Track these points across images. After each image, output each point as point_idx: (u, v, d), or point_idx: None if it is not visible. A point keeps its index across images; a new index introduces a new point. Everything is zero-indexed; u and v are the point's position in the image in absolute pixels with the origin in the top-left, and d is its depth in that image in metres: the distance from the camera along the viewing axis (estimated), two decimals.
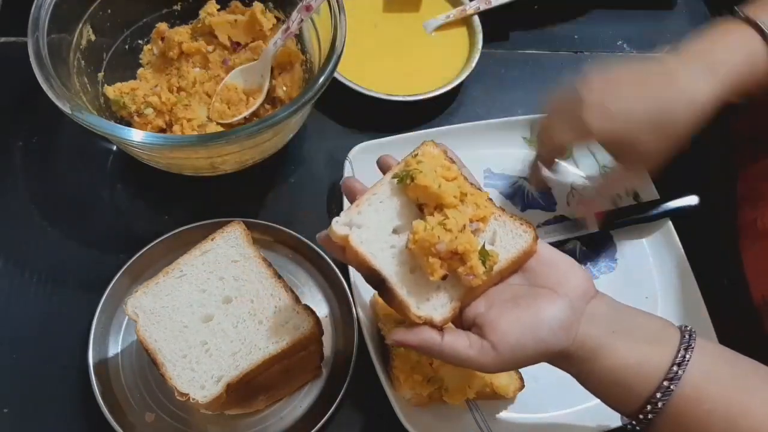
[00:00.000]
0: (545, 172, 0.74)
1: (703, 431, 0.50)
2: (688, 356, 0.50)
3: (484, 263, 0.51)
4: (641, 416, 0.51)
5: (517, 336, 0.51)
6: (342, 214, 0.54)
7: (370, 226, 0.53)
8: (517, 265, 0.55)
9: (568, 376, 0.68)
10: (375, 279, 0.53)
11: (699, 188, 0.83)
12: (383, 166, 0.58)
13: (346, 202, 0.73)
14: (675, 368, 0.50)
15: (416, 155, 0.55)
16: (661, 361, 0.51)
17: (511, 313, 0.52)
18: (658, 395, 0.50)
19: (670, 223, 0.77)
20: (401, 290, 0.52)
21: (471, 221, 0.53)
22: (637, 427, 0.52)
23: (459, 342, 0.52)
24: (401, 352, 0.66)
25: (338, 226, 0.53)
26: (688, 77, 0.63)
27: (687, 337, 0.52)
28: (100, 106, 0.73)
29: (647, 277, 0.76)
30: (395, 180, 0.55)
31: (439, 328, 0.52)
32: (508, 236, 0.54)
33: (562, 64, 0.91)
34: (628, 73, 0.65)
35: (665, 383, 0.50)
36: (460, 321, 0.54)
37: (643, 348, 0.51)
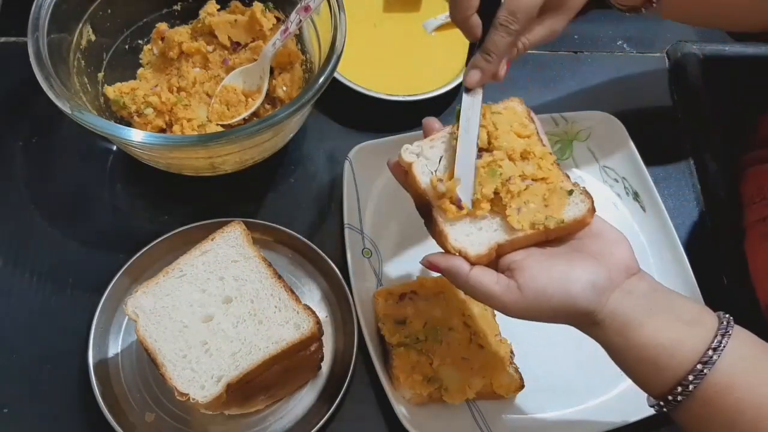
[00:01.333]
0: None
1: (731, 419, 0.49)
2: (724, 342, 0.50)
3: (556, 220, 0.54)
4: (670, 397, 0.50)
5: (545, 282, 0.51)
6: (415, 143, 0.58)
7: (436, 161, 0.57)
8: (568, 232, 0.56)
9: (568, 376, 0.69)
10: (425, 209, 0.57)
11: (701, 187, 0.83)
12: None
13: (347, 202, 0.74)
14: (710, 353, 0.49)
15: (498, 105, 0.59)
16: (696, 344, 0.50)
17: (546, 262, 0.53)
18: (690, 378, 0.49)
19: (669, 222, 0.77)
20: (444, 220, 0.55)
21: (526, 178, 0.56)
22: (664, 409, 0.52)
23: (486, 276, 0.53)
24: (401, 352, 0.66)
25: (407, 153, 0.57)
26: None
27: (725, 323, 0.51)
28: (100, 106, 0.73)
29: None
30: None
31: (471, 263, 0.54)
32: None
33: (562, 64, 0.91)
34: None
35: (699, 366, 0.49)
36: (497, 267, 0.55)
37: (679, 328, 0.51)
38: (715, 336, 0.50)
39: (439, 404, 0.66)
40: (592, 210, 0.55)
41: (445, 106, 0.86)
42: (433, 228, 0.56)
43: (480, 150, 0.57)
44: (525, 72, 0.90)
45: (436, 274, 0.68)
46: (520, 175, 0.55)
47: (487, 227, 0.55)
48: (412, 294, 0.69)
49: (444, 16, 0.87)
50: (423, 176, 0.56)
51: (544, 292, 0.51)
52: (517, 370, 0.67)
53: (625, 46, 0.94)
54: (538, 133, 0.59)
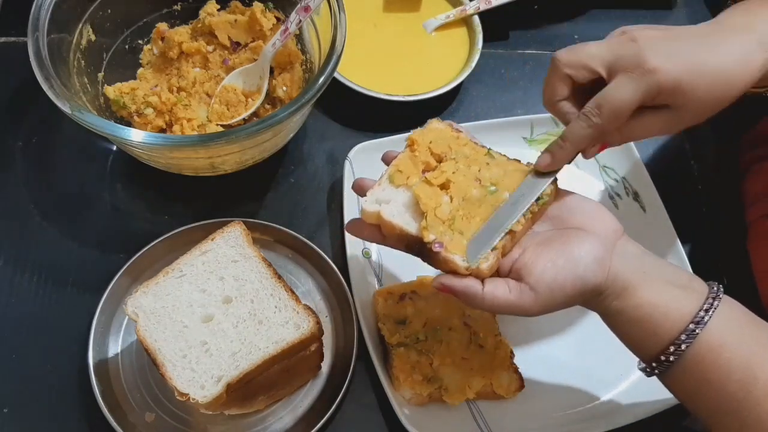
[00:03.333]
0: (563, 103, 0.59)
1: (721, 378, 0.50)
2: (715, 304, 0.51)
3: (544, 201, 0.56)
4: (663, 358, 0.52)
5: (553, 274, 0.52)
6: (368, 194, 0.58)
7: (396, 199, 0.57)
8: (548, 207, 0.57)
9: (568, 376, 0.69)
10: (416, 246, 0.56)
11: (701, 187, 0.83)
12: (387, 159, 0.61)
13: (347, 202, 0.74)
14: (702, 314, 0.51)
15: (418, 130, 0.61)
16: (689, 306, 0.52)
17: (546, 253, 0.53)
18: (683, 337, 0.51)
19: (669, 222, 0.77)
20: (446, 249, 0.54)
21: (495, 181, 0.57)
22: (656, 371, 0.53)
23: (498, 289, 0.53)
24: (401, 352, 0.66)
25: (369, 204, 0.57)
26: (738, 45, 0.55)
27: (716, 288, 0.53)
28: (100, 106, 0.73)
29: None
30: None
31: (483, 279, 0.54)
32: None
33: None
34: (679, 30, 0.57)
35: (691, 326, 0.51)
36: (498, 272, 0.56)
37: (673, 291, 0.53)
38: (707, 299, 0.52)
39: (439, 404, 0.66)
40: (555, 181, 0.57)
41: (445, 106, 0.86)
42: (435, 260, 0.55)
43: (429, 170, 0.58)
44: (525, 72, 0.90)
45: (436, 275, 0.68)
46: (498, 186, 0.57)
47: None
48: (412, 294, 0.69)
49: (444, 16, 0.87)
50: (398, 217, 0.56)
51: (556, 283, 0.52)
52: (517, 370, 0.67)
53: None
54: (469, 137, 0.60)
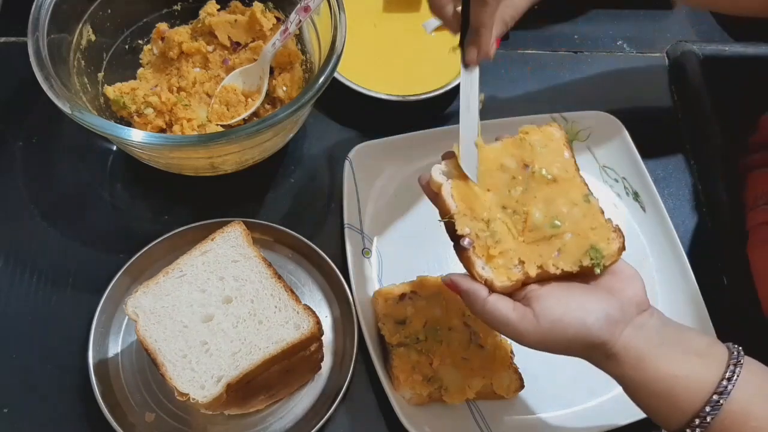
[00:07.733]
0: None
1: None
2: (737, 372, 0.50)
3: (598, 264, 0.53)
4: (688, 431, 0.50)
5: (561, 312, 0.51)
6: (444, 162, 0.56)
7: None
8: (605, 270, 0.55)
9: (568, 376, 0.69)
10: (454, 232, 0.54)
11: (701, 187, 0.83)
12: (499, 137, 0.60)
13: (347, 202, 0.74)
14: (725, 383, 0.50)
15: (534, 127, 0.57)
16: (710, 375, 0.50)
17: (562, 294, 0.53)
18: (707, 409, 0.49)
19: (669, 222, 0.77)
20: (473, 249, 0.54)
21: (572, 222, 0.54)
22: None
23: (503, 303, 0.53)
24: (401, 351, 0.66)
25: (437, 173, 0.55)
26: None
27: (736, 353, 0.52)
28: (100, 106, 0.73)
29: (647, 277, 0.75)
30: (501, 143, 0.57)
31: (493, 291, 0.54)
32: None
33: (562, 64, 0.91)
34: None
35: (714, 397, 0.49)
36: (512, 294, 0.55)
37: (692, 360, 0.51)
38: (728, 366, 0.51)
39: (439, 404, 0.66)
40: (622, 249, 0.55)
41: (445, 106, 0.86)
42: (460, 252, 0.55)
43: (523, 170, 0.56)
44: (525, 72, 0.90)
45: (437, 274, 0.68)
46: (564, 225, 0.54)
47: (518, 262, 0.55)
48: (412, 294, 0.69)
49: None
50: (450, 198, 0.55)
51: (561, 322, 0.51)
52: (517, 370, 0.67)
53: (625, 46, 0.94)
54: (576, 163, 0.57)
